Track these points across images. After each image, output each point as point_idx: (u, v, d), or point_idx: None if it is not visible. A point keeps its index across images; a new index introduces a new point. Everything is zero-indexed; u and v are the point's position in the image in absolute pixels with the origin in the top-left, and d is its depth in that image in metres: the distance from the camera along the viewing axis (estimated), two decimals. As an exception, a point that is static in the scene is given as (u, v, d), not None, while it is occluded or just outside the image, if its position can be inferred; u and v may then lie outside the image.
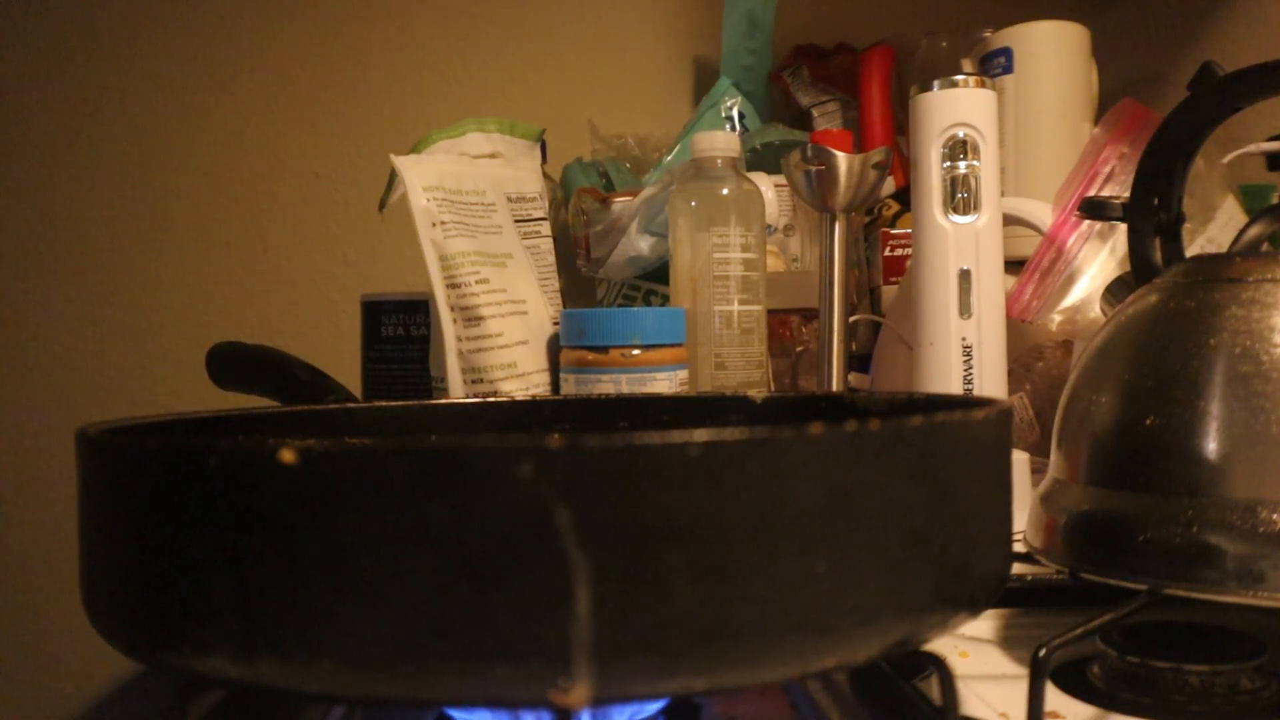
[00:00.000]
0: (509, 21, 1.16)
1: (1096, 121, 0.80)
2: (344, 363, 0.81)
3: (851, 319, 0.80)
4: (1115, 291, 0.55)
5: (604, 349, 0.64)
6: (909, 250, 0.86)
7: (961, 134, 0.64)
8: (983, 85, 0.65)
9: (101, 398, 1.13)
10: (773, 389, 0.81)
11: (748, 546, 0.25)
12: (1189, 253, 0.50)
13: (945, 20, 1.05)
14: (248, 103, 1.15)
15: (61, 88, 1.13)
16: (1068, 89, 0.87)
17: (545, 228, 0.76)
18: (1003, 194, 0.74)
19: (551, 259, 0.76)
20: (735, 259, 0.72)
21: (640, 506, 0.24)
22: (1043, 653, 0.33)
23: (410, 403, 0.48)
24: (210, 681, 0.30)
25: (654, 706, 0.35)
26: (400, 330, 0.77)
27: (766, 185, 0.84)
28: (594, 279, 0.91)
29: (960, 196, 0.64)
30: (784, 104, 1.09)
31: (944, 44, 1.02)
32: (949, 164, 0.64)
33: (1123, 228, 0.52)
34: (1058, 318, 0.75)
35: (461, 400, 0.56)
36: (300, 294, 1.15)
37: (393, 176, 0.68)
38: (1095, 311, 0.72)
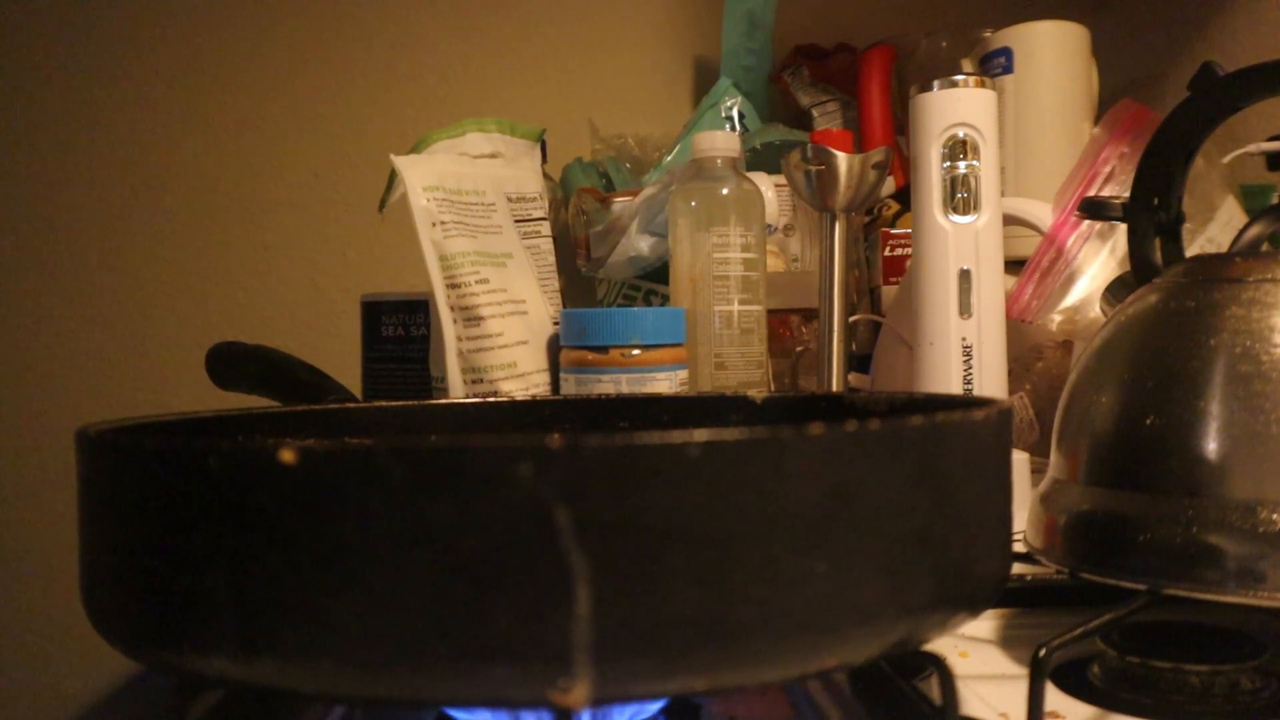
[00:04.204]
0: (509, 21, 1.16)
1: (1096, 121, 0.80)
2: (344, 363, 0.81)
3: (851, 319, 0.80)
4: (1115, 291, 0.55)
5: (604, 349, 0.64)
6: (909, 250, 0.86)
7: (961, 134, 0.64)
8: (983, 85, 0.65)
9: (101, 398, 1.13)
10: (773, 389, 0.81)
11: (748, 546, 0.25)
12: (1189, 253, 0.50)
13: (945, 20, 1.05)
14: (247, 103, 1.15)
15: (61, 88, 1.13)
16: (1068, 89, 0.87)
17: (545, 228, 0.76)
18: (1003, 194, 0.74)
19: (551, 259, 0.76)
20: (735, 259, 0.72)
21: (640, 506, 0.24)
22: (1043, 653, 0.33)
23: (410, 403, 0.48)
24: (210, 681, 0.30)
25: (654, 706, 0.35)
26: (400, 330, 0.77)
27: (766, 185, 0.84)
28: (594, 279, 0.91)
29: (960, 196, 0.64)
30: (784, 104, 1.09)
31: (944, 44, 1.02)
32: (949, 164, 0.64)
33: (1123, 228, 0.52)
34: (1058, 318, 0.75)
35: (461, 400, 0.56)
36: (300, 294, 1.15)
37: (393, 176, 0.68)
38: (1095, 311, 0.72)
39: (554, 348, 0.71)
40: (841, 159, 0.70)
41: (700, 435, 0.24)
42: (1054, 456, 0.45)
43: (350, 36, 1.15)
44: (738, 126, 1.01)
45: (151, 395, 1.14)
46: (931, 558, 0.28)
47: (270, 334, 1.14)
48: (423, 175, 0.66)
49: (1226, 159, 0.61)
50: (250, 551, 0.25)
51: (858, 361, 0.86)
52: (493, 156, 0.74)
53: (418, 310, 0.76)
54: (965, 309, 0.64)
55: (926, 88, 0.65)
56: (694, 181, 0.74)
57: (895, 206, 0.94)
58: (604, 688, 0.24)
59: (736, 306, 0.72)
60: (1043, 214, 0.77)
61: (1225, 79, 0.47)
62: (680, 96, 1.17)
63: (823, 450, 0.26)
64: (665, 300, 0.85)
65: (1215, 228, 0.75)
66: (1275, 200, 0.79)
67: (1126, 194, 0.52)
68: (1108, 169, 0.75)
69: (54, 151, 1.13)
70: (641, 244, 0.82)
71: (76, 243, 1.13)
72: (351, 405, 0.49)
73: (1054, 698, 0.38)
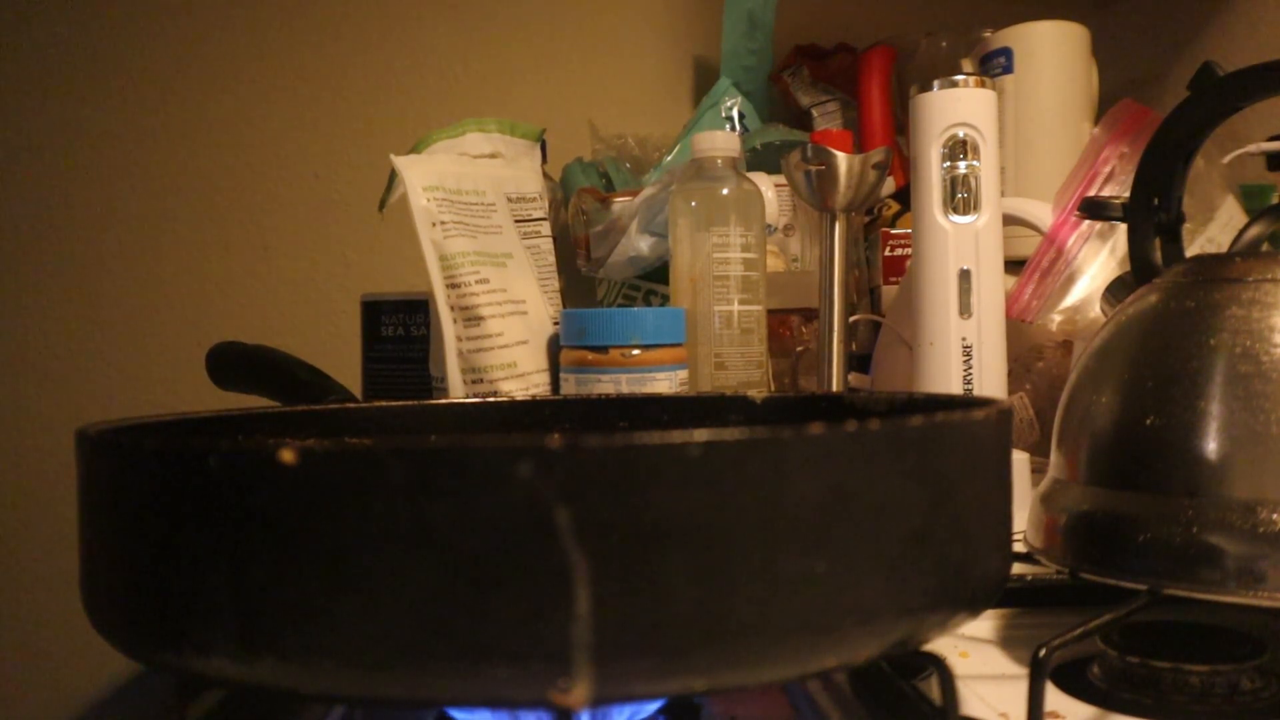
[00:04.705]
0: (509, 21, 1.16)
1: (1096, 121, 0.80)
2: (344, 363, 0.81)
3: (851, 319, 0.80)
4: (1115, 291, 0.55)
5: (604, 349, 0.64)
6: (909, 250, 0.86)
7: (961, 134, 0.64)
8: (983, 85, 0.65)
9: (101, 398, 1.13)
10: (773, 389, 0.81)
11: (748, 547, 0.25)
12: (1189, 253, 0.50)
13: (945, 20, 1.05)
14: (248, 103, 1.15)
15: (61, 88, 1.13)
16: (1068, 89, 0.87)
17: (545, 228, 0.76)
18: (1003, 194, 0.74)
19: (551, 259, 0.76)
20: (735, 259, 0.72)
21: (640, 507, 0.24)
22: (1043, 653, 0.33)
23: (410, 403, 0.48)
24: (210, 681, 0.30)
25: (654, 706, 0.35)
26: (400, 330, 0.77)
27: (766, 185, 0.84)
28: (594, 279, 0.91)
29: (960, 196, 0.64)
30: (784, 104, 1.09)
31: (944, 44, 1.02)
32: (949, 164, 0.64)
33: (1123, 228, 0.52)
34: (1058, 318, 0.75)
35: (461, 400, 0.56)
36: (300, 294, 1.15)
37: (393, 176, 0.68)
38: (1095, 311, 0.72)
39: (554, 348, 0.71)
40: (841, 159, 0.70)
41: (700, 435, 0.24)
42: (1054, 456, 0.45)
43: (350, 36, 1.15)
44: (738, 126, 1.01)
45: (151, 395, 1.14)
46: (931, 558, 0.28)
47: (270, 334, 1.14)
48: (423, 175, 0.66)
49: (1226, 159, 0.61)
50: (250, 551, 0.25)
51: (858, 361, 0.86)
52: (493, 156, 0.74)
53: (418, 310, 0.76)
54: (965, 309, 0.64)
55: (926, 88, 0.65)
56: (694, 181, 0.74)
57: (895, 206, 0.94)
58: (604, 688, 0.24)
59: (736, 306, 0.72)
60: (1043, 214, 0.77)
61: (1225, 79, 0.47)
62: (680, 96, 1.17)
63: (823, 450, 0.26)
64: (665, 300, 0.85)
65: (1215, 228, 0.75)
66: (1275, 200, 0.79)
67: (1126, 194, 0.52)
68: (1108, 169, 0.75)
69: (54, 151, 1.13)
70: (641, 244, 0.82)
71: (76, 243, 1.13)
72: (351, 405, 0.49)
73: (1054, 698, 0.38)
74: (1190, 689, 0.37)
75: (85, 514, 0.30)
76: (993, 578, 0.31)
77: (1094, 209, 0.55)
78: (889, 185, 0.94)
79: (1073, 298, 0.74)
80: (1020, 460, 0.63)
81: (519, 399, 0.56)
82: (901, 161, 0.92)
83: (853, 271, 0.87)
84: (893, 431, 0.27)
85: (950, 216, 0.64)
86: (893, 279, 0.88)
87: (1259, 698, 0.37)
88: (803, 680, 0.39)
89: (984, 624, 0.47)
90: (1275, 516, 0.36)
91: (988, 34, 0.93)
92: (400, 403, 0.47)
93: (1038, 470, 0.64)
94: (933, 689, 0.36)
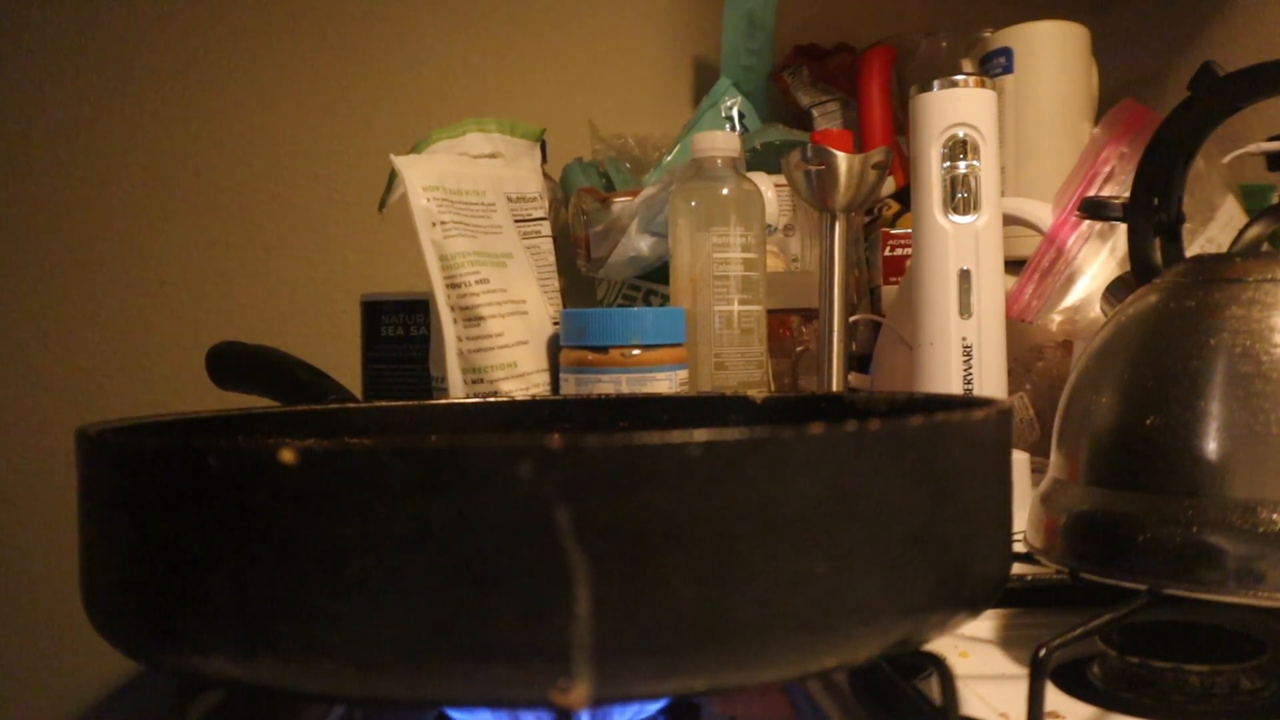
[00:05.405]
0: (509, 21, 1.16)
1: (1096, 121, 0.80)
2: (344, 363, 0.81)
3: (851, 319, 0.80)
4: (1115, 291, 0.55)
5: (604, 349, 0.64)
6: (909, 250, 0.86)
7: (961, 134, 0.64)
8: (983, 85, 0.65)
9: (101, 398, 1.13)
10: (773, 389, 0.81)
11: (748, 547, 0.25)
12: (1189, 253, 0.50)
13: (945, 20, 1.05)
14: (248, 103, 1.15)
15: (61, 88, 1.13)
16: (1068, 89, 0.87)
17: (545, 228, 0.76)
18: (1003, 194, 0.74)
19: (551, 259, 0.76)
20: (735, 259, 0.71)
21: (640, 507, 0.24)
22: (1043, 653, 0.33)
23: (410, 403, 0.48)
24: (210, 681, 0.30)
25: (654, 706, 0.35)
26: (400, 330, 0.77)
27: (766, 185, 0.84)
28: (594, 279, 0.91)
29: (960, 196, 0.64)
30: (784, 104, 1.09)
31: (944, 44, 1.02)
32: (949, 164, 0.64)
33: (1123, 228, 0.52)
34: (1058, 318, 0.75)
35: (461, 400, 0.56)
36: (300, 294, 1.15)
37: (393, 176, 0.68)
38: (1095, 311, 0.72)
39: (554, 348, 0.71)
40: (841, 159, 0.70)
41: (700, 435, 0.24)
42: (1054, 456, 0.45)
43: (350, 36, 1.15)
44: (738, 126, 1.01)
45: (151, 395, 1.14)
46: (931, 558, 0.28)
47: (270, 334, 1.14)
48: (423, 175, 0.66)
49: (1226, 159, 0.61)
50: (250, 551, 0.25)
51: (858, 361, 0.86)
52: (493, 156, 0.74)
53: (418, 310, 0.76)
54: (965, 309, 0.64)
55: (926, 88, 0.65)
56: (694, 181, 0.74)
57: (895, 206, 0.94)
58: (604, 688, 0.24)
59: (736, 306, 0.72)
60: (1043, 214, 0.77)
61: (1225, 79, 0.47)
62: (680, 96, 1.17)
63: (823, 450, 0.26)
64: (665, 300, 0.85)
65: (1215, 228, 0.75)
66: (1275, 200, 0.79)
67: (1126, 194, 0.52)
68: (1108, 169, 0.75)
69: (54, 151, 1.13)
70: (641, 244, 0.82)
71: (77, 243, 1.13)
72: (351, 405, 0.49)
73: (1054, 698, 0.38)
74: (1190, 689, 0.37)
75: (85, 514, 0.30)
76: (993, 578, 0.31)
77: (1094, 209, 0.55)
78: (889, 185, 0.94)
79: (1073, 298, 0.74)
80: (1020, 460, 0.63)
81: (519, 399, 0.56)
82: (901, 161, 0.92)
83: (853, 271, 0.87)
84: (893, 431, 0.27)
85: (950, 216, 0.64)
86: (893, 279, 0.88)
87: (1259, 698, 0.37)
88: (803, 680, 0.39)
89: (984, 624, 0.47)
90: (1275, 516, 0.36)
91: (988, 34, 0.93)
92: (400, 403, 0.47)
93: (1038, 470, 0.64)
94: (933, 689, 0.36)
